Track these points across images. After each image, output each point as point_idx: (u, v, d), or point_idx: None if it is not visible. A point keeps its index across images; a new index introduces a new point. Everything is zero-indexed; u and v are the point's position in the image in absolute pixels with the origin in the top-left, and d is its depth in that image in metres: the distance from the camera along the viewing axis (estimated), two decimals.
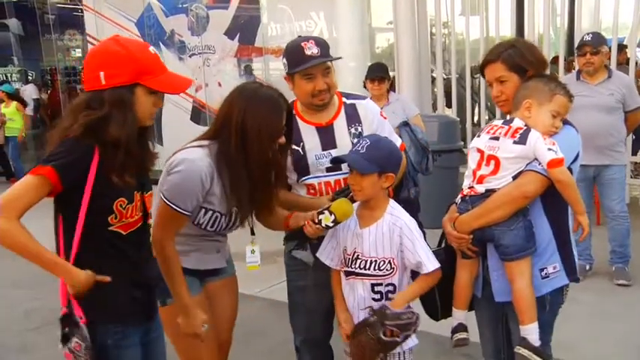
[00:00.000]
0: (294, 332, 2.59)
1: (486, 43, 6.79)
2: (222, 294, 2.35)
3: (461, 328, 2.16)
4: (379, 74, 4.85)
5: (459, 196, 2.12)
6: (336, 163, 2.20)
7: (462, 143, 5.90)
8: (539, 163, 1.93)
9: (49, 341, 3.52)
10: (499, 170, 1.99)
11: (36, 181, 1.60)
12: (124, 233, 1.75)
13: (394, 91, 5.67)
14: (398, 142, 2.38)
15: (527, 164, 1.96)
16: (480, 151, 2.05)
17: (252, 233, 2.34)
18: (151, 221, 1.89)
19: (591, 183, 4.19)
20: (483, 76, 2.20)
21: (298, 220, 2.17)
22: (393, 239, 2.02)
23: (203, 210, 2.08)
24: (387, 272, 2.04)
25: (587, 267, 4.26)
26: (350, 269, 2.09)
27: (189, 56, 8.44)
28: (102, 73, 1.68)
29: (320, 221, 2.05)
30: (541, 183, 1.94)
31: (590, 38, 4.06)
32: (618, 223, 4.15)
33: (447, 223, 2.11)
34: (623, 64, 6.38)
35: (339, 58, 2.32)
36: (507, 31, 6.55)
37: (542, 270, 2.04)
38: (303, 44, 2.22)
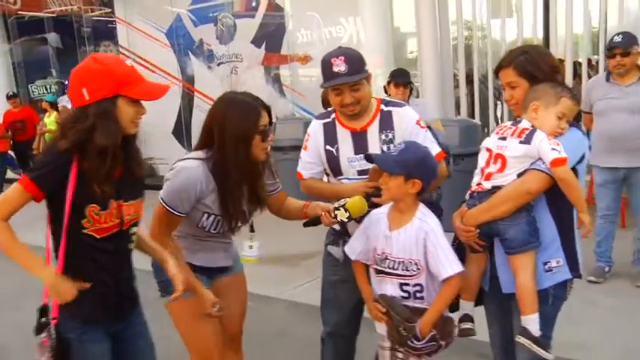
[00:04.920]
0: (323, 324, 2.71)
1: (510, 45, 6.78)
2: (230, 290, 2.52)
3: (467, 318, 2.26)
4: (404, 80, 4.95)
5: (468, 192, 2.22)
6: (367, 160, 2.28)
7: None
8: (544, 163, 2.02)
9: None
10: (505, 168, 2.09)
11: (19, 190, 1.81)
12: (98, 237, 1.89)
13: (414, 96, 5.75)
14: (435, 151, 2.39)
15: (531, 163, 2.06)
16: (489, 150, 2.17)
17: (252, 230, 2.49)
18: (135, 229, 2.02)
19: (620, 186, 4.14)
20: (498, 79, 2.29)
21: (316, 210, 2.36)
22: (418, 243, 2.12)
23: (205, 215, 2.27)
24: (414, 272, 2.14)
25: (607, 269, 4.24)
26: (380, 268, 2.21)
27: (218, 65, 8.64)
28: (84, 90, 1.83)
29: (336, 216, 2.22)
30: (544, 181, 2.03)
31: (620, 39, 3.93)
32: None
33: (456, 218, 2.22)
34: None
35: (365, 76, 2.38)
36: (532, 33, 6.55)
37: (545, 264, 2.12)
38: (333, 60, 2.34)
